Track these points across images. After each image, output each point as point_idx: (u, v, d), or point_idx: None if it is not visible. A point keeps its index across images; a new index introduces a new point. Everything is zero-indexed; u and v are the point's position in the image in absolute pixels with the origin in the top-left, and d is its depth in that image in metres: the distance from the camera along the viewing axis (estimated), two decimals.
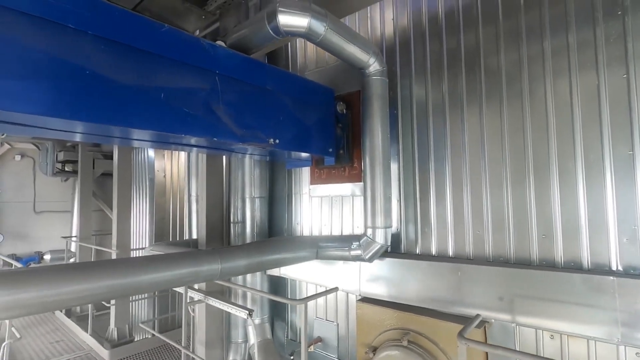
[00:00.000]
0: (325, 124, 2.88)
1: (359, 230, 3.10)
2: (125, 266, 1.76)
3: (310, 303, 3.44)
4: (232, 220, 3.73)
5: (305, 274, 3.32)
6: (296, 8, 2.01)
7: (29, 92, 1.39)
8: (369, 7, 2.96)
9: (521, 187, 2.26)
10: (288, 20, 2.03)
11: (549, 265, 2.16)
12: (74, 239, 7.01)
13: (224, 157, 3.84)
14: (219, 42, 2.17)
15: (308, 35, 2.13)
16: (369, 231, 2.64)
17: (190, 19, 2.45)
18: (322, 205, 3.40)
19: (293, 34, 2.12)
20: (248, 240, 3.59)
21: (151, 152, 5.94)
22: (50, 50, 1.45)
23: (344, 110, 3.08)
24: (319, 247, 2.88)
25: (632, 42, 1.93)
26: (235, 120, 2.16)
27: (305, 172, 3.58)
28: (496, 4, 2.39)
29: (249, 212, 3.60)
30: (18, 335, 3.52)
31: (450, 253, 2.53)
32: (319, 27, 2.10)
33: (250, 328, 3.54)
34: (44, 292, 1.47)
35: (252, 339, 3.52)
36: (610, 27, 1.99)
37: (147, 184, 5.95)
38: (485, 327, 2.31)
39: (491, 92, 2.40)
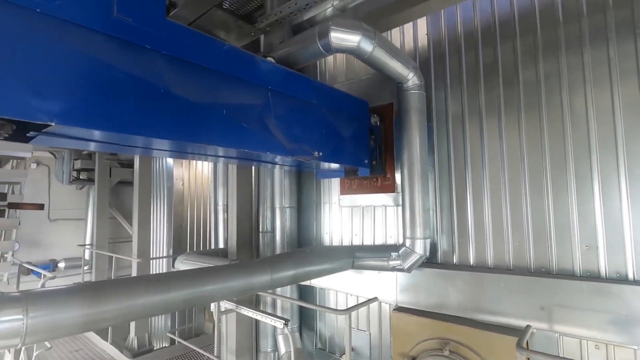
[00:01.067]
0: (361, 136, 2.94)
1: (391, 240, 3.14)
2: (191, 278, 1.80)
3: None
4: (261, 230, 3.78)
5: (334, 283, 3.36)
6: (348, 26, 2.08)
7: (116, 111, 1.45)
8: (403, 25, 3.03)
9: (563, 197, 2.31)
10: (340, 37, 2.10)
11: (593, 276, 2.20)
12: (89, 246, 7.03)
13: (252, 167, 3.90)
14: (269, 58, 2.24)
15: (356, 51, 2.20)
16: (408, 242, 2.69)
17: (232, 34, 2.52)
18: (353, 215, 3.45)
19: (343, 51, 2.19)
20: (278, 250, 3.63)
21: (170, 161, 5.99)
22: (132, 70, 1.51)
23: (378, 123, 3.14)
24: (355, 257, 2.91)
25: None
26: (285, 134, 2.22)
27: (334, 182, 3.63)
28: (534, 17, 2.46)
29: (279, 222, 3.64)
30: (49, 345, 3.53)
31: (490, 263, 2.57)
32: (368, 44, 2.18)
33: (280, 337, 3.57)
34: (122, 304, 1.51)
35: (283, 349, 3.54)
36: None
37: (165, 192, 5.98)
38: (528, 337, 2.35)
39: (530, 103, 2.46)
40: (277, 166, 3.68)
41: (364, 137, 2.98)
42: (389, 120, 3.17)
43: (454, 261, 2.75)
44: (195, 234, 6.07)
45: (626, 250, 2.10)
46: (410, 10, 2.67)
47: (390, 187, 3.16)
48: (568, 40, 2.33)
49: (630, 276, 2.09)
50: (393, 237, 3.14)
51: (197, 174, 6.19)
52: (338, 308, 3.44)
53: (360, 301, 3.36)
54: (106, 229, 6.85)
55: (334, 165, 3.06)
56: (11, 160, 4.67)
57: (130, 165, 7.25)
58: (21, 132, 1.39)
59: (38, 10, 1.27)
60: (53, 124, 1.28)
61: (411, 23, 3.06)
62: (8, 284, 5.25)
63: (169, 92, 1.64)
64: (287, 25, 2.49)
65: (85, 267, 7.48)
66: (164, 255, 5.90)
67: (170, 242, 5.89)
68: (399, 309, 2.89)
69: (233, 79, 1.95)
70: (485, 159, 2.64)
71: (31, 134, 1.43)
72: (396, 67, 2.46)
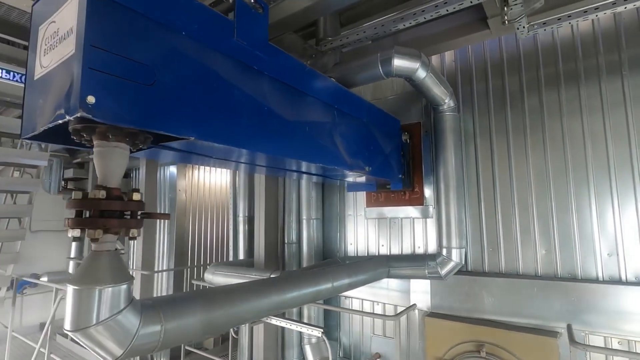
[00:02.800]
0: (396, 152, 3.14)
1: (419, 250, 3.34)
2: (276, 285, 1.88)
3: (367, 319, 3.61)
4: (286, 241, 3.86)
5: (358, 292, 3.50)
6: (409, 55, 2.30)
7: (237, 128, 1.55)
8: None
9: (585, 209, 2.62)
10: (402, 64, 2.31)
11: (614, 280, 2.51)
12: (78, 259, 6.68)
13: (279, 179, 3.99)
14: (331, 79, 2.41)
15: (412, 77, 2.42)
16: (445, 251, 2.90)
17: (293, 54, 2.66)
18: (379, 226, 3.63)
19: (400, 75, 2.40)
20: (305, 261, 3.72)
21: (173, 171, 5.92)
22: (246, 89, 1.62)
23: (407, 140, 3.37)
24: (390, 266, 3.08)
25: None
26: (346, 150, 2.38)
27: (359, 194, 3.80)
28: (555, 50, 2.80)
29: (305, 233, 3.74)
30: None
31: (520, 270, 2.82)
32: (423, 72, 2.41)
33: (308, 347, 3.63)
34: (232, 309, 1.58)
35: (311, 358, 3.60)
36: None
37: (168, 203, 5.89)
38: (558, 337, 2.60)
39: (552, 126, 2.78)
40: (304, 179, 3.81)
41: (398, 153, 3.19)
42: (417, 138, 3.41)
43: (484, 269, 2.99)
44: (197, 246, 5.99)
45: None
46: (446, 43, 2.95)
47: (418, 200, 3.37)
48: (586, 71, 2.69)
49: None
50: (421, 247, 3.34)
51: (200, 185, 6.15)
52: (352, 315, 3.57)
53: (376, 308, 3.53)
54: None
55: (361, 179, 3.23)
56: (12, 169, 4.45)
57: (125, 175, 7.05)
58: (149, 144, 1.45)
59: (183, 33, 1.37)
60: (192, 138, 1.37)
61: (439, 55, 3.34)
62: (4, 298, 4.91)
63: (272, 111, 1.76)
64: (340, 50, 2.68)
65: None
66: (165, 267, 5.77)
67: (171, 254, 5.77)
68: (431, 315, 3.07)
69: (311, 98, 2.10)
70: (512, 174, 2.92)
71: (149, 146, 1.48)
72: (438, 92, 2.71)
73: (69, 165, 6.78)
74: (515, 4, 1.84)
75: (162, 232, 5.82)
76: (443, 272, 2.86)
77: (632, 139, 2.51)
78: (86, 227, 1.16)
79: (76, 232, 1.20)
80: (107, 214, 1.20)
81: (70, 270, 7.10)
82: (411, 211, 3.42)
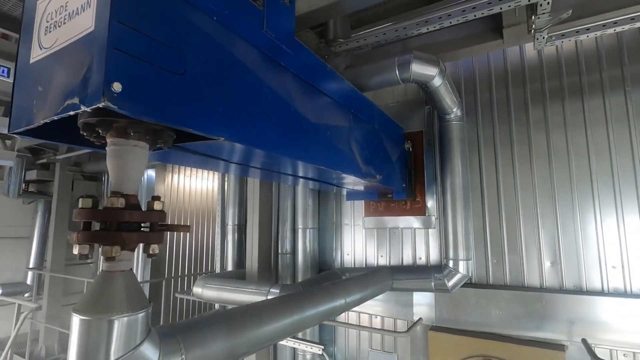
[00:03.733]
0: (401, 161, 3.06)
1: (420, 262, 3.26)
2: (294, 304, 1.71)
3: (364, 334, 3.47)
4: (280, 252, 3.66)
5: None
6: (428, 60, 2.22)
7: (266, 129, 1.38)
8: None
9: (590, 223, 2.64)
10: (420, 69, 2.22)
11: (619, 293, 2.52)
12: (40, 269, 6.08)
13: (273, 186, 3.80)
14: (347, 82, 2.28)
15: (427, 83, 2.35)
16: (451, 262, 2.82)
17: None
18: (378, 236, 3.52)
19: (416, 81, 2.31)
20: (300, 272, 3.54)
21: (152, 173, 5.55)
22: (273, 86, 1.46)
23: (410, 149, 3.30)
24: (394, 279, 2.97)
25: None
26: (361, 157, 2.25)
27: (357, 203, 3.68)
28: (560, 64, 2.84)
29: (300, 243, 3.56)
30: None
31: (525, 283, 2.80)
32: (439, 79, 2.33)
33: None
34: (253, 332, 1.39)
35: None
36: None
37: (144, 209, 5.49)
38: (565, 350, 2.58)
39: (557, 135, 2.79)
40: (300, 185, 3.64)
41: (402, 161, 3.11)
42: (420, 147, 3.34)
43: (489, 281, 2.94)
44: (176, 256, 5.62)
45: None
46: (456, 52, 2.91)
47: (420, 210, 3.30)
48: (574, 87, 2.74)
49: None
50: (422, 258, 3.26)
51: (180, 190, 5.80)
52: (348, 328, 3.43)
53: (374, 321, 3.41)
54: (63, 250, 6.00)
55: (359, 187, 3.11)
56: None
57: (94, 178, 6.54)
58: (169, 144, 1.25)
59: (215, 18, 1.20)
60: (222, 139, 1.18)
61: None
62: None
63: (297, 112, 1.61)
64: (351, 53, 2.57)
65: (26, 294, 6.49)
66: (140, 279, 5.35)
67: (147, 265, 5.37)
68: (435, 328, 2.98)
69: (331, 100, 1.96)
70: (517, 185, 2.91)
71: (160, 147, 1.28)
72: (449, 100, 2.65)
73: (31, 166, 6.20)
74: (544, 14, 1.82)
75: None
76: (450, 284, 2.79)
77: (636, 152, 2.56)
78: (101, 243, 0.95)
79: (84, 249, 0.99)
80: (125, 226, 0.99)
81: (29, 282, 6.47)
82: (412, 221, 3.33)
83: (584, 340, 2.30)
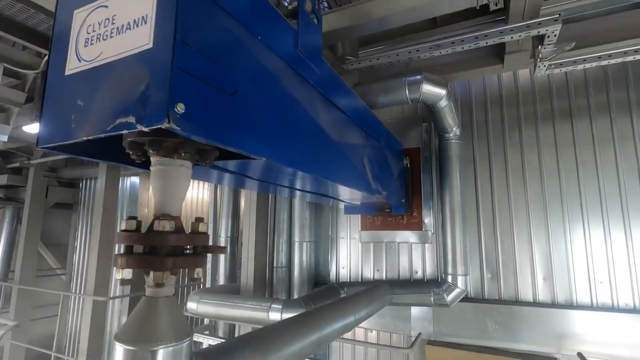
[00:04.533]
0: (400, 176, 3.11)
1: (417, 276, 3.31)
2: (312, 323, 1.69)
3: (359, 348, 3.46)
4: (275, 265, 3.61)
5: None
6: (437, 81, 2.29)
7: (298, 147, 1.38)
8: None
9: (579, 240, 2.78)
10: (430, 89, 2.29)
11: (606, 307, 2.66)
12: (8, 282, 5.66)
13: (269, 199, 3.76)
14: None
15: (434, 103, 2.42)
16: (450, 278, 2.88)
17: None
18: (374, 251, 3.54)
19: (425, 101, 2.38)
20: (296, 287, 3.49)
21: (136, 180, 5.34)
22: (304, 104, 1.46)
23: (408, 165, 3.37)
24: (393, 293, 2.99)
25: None
26: (371, 174, 2.28)
27: (353, 217, 3.70)
28: (550, 89, 3.01)
29: (297, 257, 3.53)
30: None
31: (519, 297, 2.89)
32: (445, 100, 2.41)
33: None
34: (285, 353, 1.36)
35: None
36: None
37: (125, 217, 5.26)
38: None
39: (548, 154, 2.94)
40: (297, 198, 3.63)
41: (402, 177, 3.17)
42: (417, 163, 3.42)
43: (484, 295, 3.02)
44: None
45: (632, 286, 2.62)
46: (457, 74, 3.02)
47: (417, 225, 3.36)
48: (546, 113, 2.91)
49: (638, 305, 2.59)
50: (419, 273, 3.31)
51: None
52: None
53: (369, 336, 3.42)
54: (34, 260, 5.61)
55: (356, 202, 3.14)
56: None
57: (71, 184, 6.21)
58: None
59: (259, 38, 1.19)
60: (264, 159, 1.17)
61: None
62: None
63: (323, 131, 1.61)
64: (359, 73, 2.61)
65: None
66: (119, 292, 5.10)
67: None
68: (433, 342, 3.02)
69: (348, 119, 1.98)
70: (511, 202, 3.02)
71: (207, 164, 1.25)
72: (451, 120, 2.75)
73: (1, 171, 5.81)
74: (549, 44, 1.93)
75: (118, 249, 5.16)
76: (449, 299, 2.84)
77: (620, 172, 2.73)
78: (151, 269, 0.90)
79: (127, 274, 0.94)
80: (173, 251, 0.95)
81: None
82: (409, 236, 3.39)
83: (579, 354, 2.41)
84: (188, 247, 1.03)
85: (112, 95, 0.94)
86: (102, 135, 0.92)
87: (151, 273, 0.90)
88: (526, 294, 2.89)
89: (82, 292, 5.16)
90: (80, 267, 5.72)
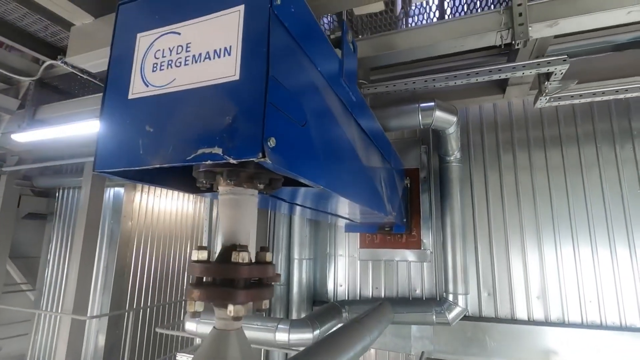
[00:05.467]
0: (403, 196, 3.20)
1: (416, 294, 3.37)
2: (340, 345, 1.69)
3: None
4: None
5: None
6: (448, 109, 2.41)
7: (343, 175, 1.40)
8: None
9: (570, 261, 2.95)
10: (442, 116, 2.40)
11: (595, 325, 2.83)
12: None
13: (268, 213, 3.72)
14: None
15: (444, 129, 2.53)
16: (451, 296, 2.96)
17: None
18: (373, 268, 3.58)
19: (436, 126, 2.48)
20: (295, 305, 3.46)
21: (120, 191, 5.12)
22: (348, 132, 1.50)
23: (408, 185, 3.46)
24: (395, 312, 3.03)
25: None
26: (385, 195, 2.33)
27: (352, 235, 3.73)
28: (541, 117, 3.22)
29: (296, 274, 3.50)
30: None
31: (515, 316, 3.01)
32: (454, 126, 2.53)
33: None
34: None
35: None
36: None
37: (108, 231, 5.02)
38: None
39: (540, 183, 3.13)
40: (297, 215, 3.62)
41: (404, 197, 3.25)
42: (416, 183, 3.52)
43: (481, 314, 3.12)
44: (144, 285, 5.16)
45: (619, 305, 2.80)
46: (460, 101, 3.18)
47: (416, 244, 3.44)
48: (538, 139, 3.13)
49: (623, 323, 2.77)
50: (417, 291, 3.37)
51: (150, 211, 5.40)
52: None
53: (366, 355, 3.43)
54: (3, 274, 5.18)
55: (357, 219, 3.20)
56: None
57: (46, 194, 5.85)
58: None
59: (319, 68, 1.22)
60: (321, 187, 1.19)
61: None
62: None
63: (357, 157, 1.65)
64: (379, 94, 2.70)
65: None
66: (98, 310, 4.81)
67: (107, 294, 4.86)
68: None
69: (370, 142, 2.03)
70: (506, 222, 3.17)
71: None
72: (454, 144, 2.87)
73: None
74: (555, 81, 2.09)
75: (96, 267, 4.89)
76: (450, 317, 2.91)
77: (606, 195, 2.95)
78: (231, 302, 0.88)
79: (200, 306, 0.92)
80: (249, 282, 0.94)
81: None
82: (408, 254, 3.46)
83: None
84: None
85: (190, 124, 0.93)
86: (181, 164, 0.91)
87: (230, 306, 0.88)
88: (521, 312, 3.01)
89: (58, 310, 4.82)
90: (53, 282, 5.35)
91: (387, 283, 3.50)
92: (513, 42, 1.75)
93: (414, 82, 2.20)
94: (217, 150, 0.87)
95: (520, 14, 1.73)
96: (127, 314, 4.74)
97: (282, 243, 3.61)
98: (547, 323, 2.93)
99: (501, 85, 2.98)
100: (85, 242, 4.29)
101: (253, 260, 1.03)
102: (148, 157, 0.96)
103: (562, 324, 2.89)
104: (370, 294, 3.53)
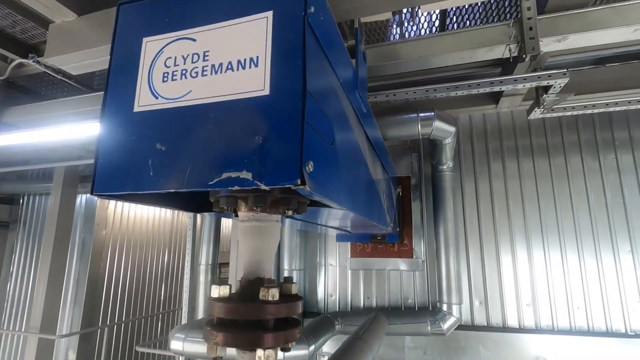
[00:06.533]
0: (397, 205, 3.16)
1: (408, 303, 3.34)
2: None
3: None
4: None
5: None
6: (447, 119, 2.39)
7: (360, 192, 1.33)
8: None
9: (558, 267, 3.01)
10: (441, 126, 2.37)
11: (583, 331, 2.90)
12: None
13: None
14: None
15: (442, 139, 2.51)
16: (445, 306, 2.95)
17: None
18: (364, 278, 3.52)
19: (434, 136, 2.45)
20: None
21: (94, 200, 4.81)
22: (362, 147, 1.42)
23: (400, 193, 3.44)
24: (389, 323, 2.98)
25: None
26: (385, 206, 2.28)
27: (343, 244, 3.66)
28: (529, 127, 3.28)
29: None
30: None
31: (507, 324, 3.04)
32: (452, 137, 2.52)
33: None
34: None
35: None
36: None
37: (79, 240, 4.70)
38: None
39: (528, 191, 3.19)
40: (287, 225, 3.51)
41: (398, 206, 3.21)
42: (407, 191, 3.51)
43: (474, 323, 3.13)
44: (119, 300, 4.85)
45: (605, 311, 2.88)
46: (453, 110, 3.18)
47: (407, 253, 3.41)
48: (513, 149, 3.21)
49: (609, 328, 2.85)
50: (410, 300, 3.34)
51: (126, 220, 5.10)
52: None
53: None
54: None
55: (347, 229, 3.14)
56: None
57: (8, 201, 5.41)
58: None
59: (340, 80, 1.14)
60: (346, 209, 1.10)
61: None
62: None
63: (369, 171, 1.58)
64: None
65: None
66: (67, 327, 4.48)
67: (80, 309, 4.53)
68: None
69: (375, 153, 1.96)
70: (497, 229, 3.21)
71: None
72: (449, 154, 2.87)
73: None
74: (552, 94, 2.12)
75: (69, 276, 4.55)
76: (445, 327, 2.89)
77: (591, 204, 3.04)
78: (262, 347, 0.78)
79: (222, 351, 0.81)
80: (278, 323, 0.84)
81: None
82: (400, 263, 3.42)
83: None
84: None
85: (212, 143, 0.82)
86: (201, 190, 0.80)
87: (259, 351, 0.78)
88: (512, 320, 3.04)
89: (22, 329, 4.43)
90: (16, 297, 4.92)
91: (378, 293, 3.45)
92: (524, 55, 1.75)
93: (414, 92, 2.16)
94: (246, 175, 0.77)
95: (531, 28, 1.73)
96: (101, 330, 4.43)
97: None
98: (537, 330, 2.97)
99: (495, 96, 3.01)
100: (55, 253, 3.97)
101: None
102: (160, 180, 0.84)
103: (551, 330, 2.95)
104: (362, 304, 3.47)
